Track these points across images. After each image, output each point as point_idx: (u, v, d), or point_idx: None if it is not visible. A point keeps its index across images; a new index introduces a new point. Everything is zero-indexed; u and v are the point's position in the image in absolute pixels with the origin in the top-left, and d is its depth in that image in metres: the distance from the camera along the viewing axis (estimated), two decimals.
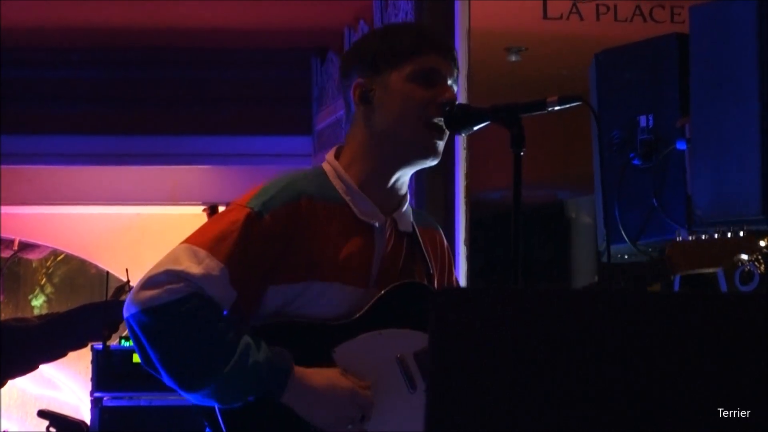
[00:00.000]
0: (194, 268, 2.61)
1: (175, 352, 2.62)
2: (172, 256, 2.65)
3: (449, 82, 2.80)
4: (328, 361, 2.72)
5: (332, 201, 2.77)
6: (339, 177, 2.81)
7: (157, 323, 2.59)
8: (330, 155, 2.87)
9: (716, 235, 3.88)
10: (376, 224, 2.80)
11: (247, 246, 2.66)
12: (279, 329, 2.70)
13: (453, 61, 2.82)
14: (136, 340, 2.64)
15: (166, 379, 2.64)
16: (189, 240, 2.69)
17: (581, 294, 1.76)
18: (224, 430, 2.66)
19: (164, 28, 7.22)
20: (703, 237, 3.87)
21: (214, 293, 2.62)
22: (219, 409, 2.65)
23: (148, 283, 2.61)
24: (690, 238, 3.86)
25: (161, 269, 2.62)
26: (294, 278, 2.70)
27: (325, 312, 2.73)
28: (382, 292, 2.79)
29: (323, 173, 2.83)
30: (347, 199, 2.79)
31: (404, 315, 2.77)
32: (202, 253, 2.63)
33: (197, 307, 2.60)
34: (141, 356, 2.65)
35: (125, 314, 2.64)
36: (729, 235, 3.88)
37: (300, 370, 2.67)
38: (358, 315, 2.75)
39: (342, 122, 6.52)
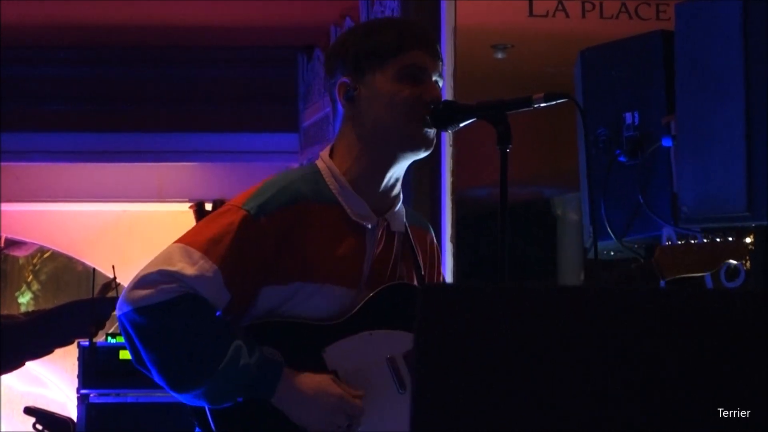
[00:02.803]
0: (188, 269, 2.60)
1: (167, 351, 2.61)
2: (165, 255, 2.64)
3: (434, 77, 2.79)
4: (318, 362, 2.72)
5: (326, 202, 2.76)
6: (333, 176, 2.80)
7: (149, 322, 2.59)
8: (324, 153, 2.85)
9: (705, 240, 3.89)
10: (369, 225, 2.80)
11: (242, 248, 2.65)
12: (270, 329, 2.70)
13: (436, 54, 2.81)
14: (128, 339, 2.64)
15: (157, 378, 2.63)
16: (183, 240, 2.67)
17: (569, 291, 1.76)
18: (214, 429, 2.66)
19: (152, 26, 7.21)
20: (693, 242, 3.88)
21: (208, 294, 2.62)
22: (209, 408, 2.65)
23: (142, 282, 2.60)
24: (679, 242, 3.87)
25: (155, 268, 2.61)
26: (287, 280, 2.70)
27: (316, 313, 2.73)
28: (373, 293, 2.78)
29: (318, 172, 2.81)
30: (341, 199, 2.78)
31: (394, 316, 2.77)
32: (197, 254, 2.62)
33: (190, 307, 2.60)
34: (132, 355, 2.65)
35: (117, 312, 2.63)
36: (718, 240, 3.89)
37: (291, 373, 2.66)
38: (348, 316, 2.75)
39: (329, 119, 6.53)
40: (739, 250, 3.98)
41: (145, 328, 2.60)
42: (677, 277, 3.96)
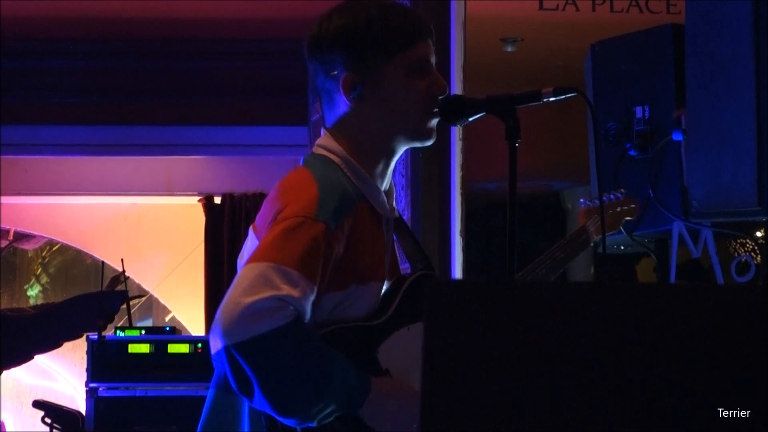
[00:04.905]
0: (294, 292, 2.50)
1: (287, 377, 2.52)
2: (263, 279, 2.50)
3: (434, 62, 2.78)
4: (373, 362, 2.69)
5: (361, 199, 2.72)
6: (353, 169, 2.74)
7: (268, 350, 2.48)
8: (335, 146, 2.78)
9: (605, 199, 4.31)
10: (387, 217, 2.79)
11: (326, 263, 2.58)
12: (330, 337, 2.65)
13: (433, 39, 2.79)
14: (235, 369, 2.51)
15: (268, 406, 2.53)
16: (271, 258, 2.53)
17: (577, 287, 1.75)
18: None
19: (160, 19, 7.21)
20: (596, 202, 4.22)
21: (306, 313, 2.55)
22: (301, 428, 2.58)
23: (253, 309, 2.47)
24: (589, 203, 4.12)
25: (265, 294, 2.48)
26: (346, 285, 2.66)
27: (362, 312, 2.70)
28: (405, 286, 2.78)
29: (337, 167, 2.75)
30: (365, 193, 2.74)
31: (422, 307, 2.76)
32: (295, 274, 2.51)
33: (302, 330, 2.52)
34: (237, 384, 2.53)
35: (222, 343, 2.49)
36: (613, 197, 4.32)
37: (376, 381, 2.64)
38: (389, 313, 2.73)
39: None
40: (629, 208, 4.22)
41: (262, 357, 2.49)
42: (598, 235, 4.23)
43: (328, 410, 2.55)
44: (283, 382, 2.52)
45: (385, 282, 2.79)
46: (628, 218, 4.42)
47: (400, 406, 2.64)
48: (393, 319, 2.74)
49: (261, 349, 2.48)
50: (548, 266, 4.08)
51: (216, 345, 2.51)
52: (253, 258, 2.54)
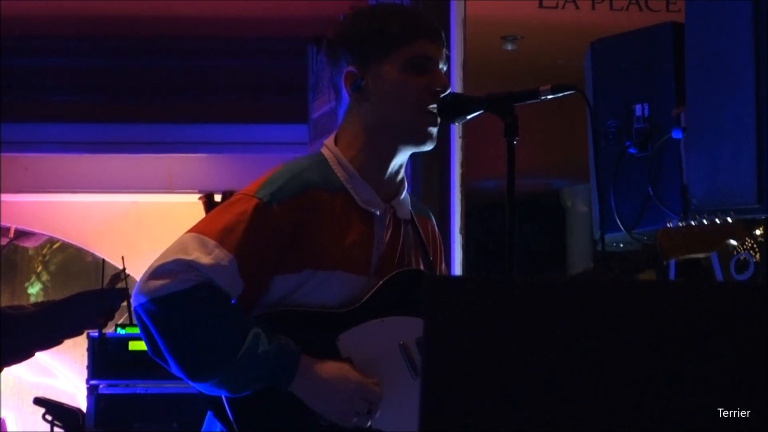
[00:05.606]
0: (204, 258, 2.59)
1: (185, 341, 2.61)
2: (180, 245, 2.63)
3: (440, 65, 2.79)
4: (332, 349, 2.72)
5: (335, 190, 2.77)
6: (340, 164, 2.80)
7: (166, 312, 2.59)
8: (330, 141, 2.86)
9: (706, 222, 3.95)
10: (377, 212, 2.80)
11: (256, 237, 2.65)
12: (282, 318, 2.70)
13: (442, 42, 2.81)
14: (144, 330, 2.62)
15: (175, 369, 2.63)
16: (196, 229, 2.67)
17: (576, 284, 1.76)
18: (231, 419, 2.66)
19: (161, 17, 7.21)
20: (693, 223, 3.93)
21: (223, 283, 2.61)
22: (226, 398, 2.65)
23: (157, 272, 2.59)
24: (681, 224, 3.91)
25: (170, 258, 2.60)
26: (297, 267, 2.70)
27: (327, 300, 2.73)
28: (384, 279, 2.79)
29: (324, 160, 2.82)
30: (348, 186, 2.78)
31: (405, 302, 2.77)
32: (211, 243, 2.61)
33: (207, 296, 2.59)
34: (149, 346, 2.64)
35: (133, 303, 2.62)
36: (718, 221, 3.95)
37: (308, 361, 2.67)
38: (360, 303, 2.75)
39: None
40: (738, 231, 4.05)
41: (162, 318, 2.59)
42: (680, 258, 4.03)
43: (242, 379, 2.61)
44: (183, 344, 2.60)
45: (374, 277, 2.79)
46: (732, 242, 4.27)
47: (331, 386, 2.67)
48: (363, 310, 2.75)
49: (162, 310, 2.58)
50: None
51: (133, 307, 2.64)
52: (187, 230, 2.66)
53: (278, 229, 2.68)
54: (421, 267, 2.90)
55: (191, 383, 2.65)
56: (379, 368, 2.74)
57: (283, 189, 2.70)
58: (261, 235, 2.66)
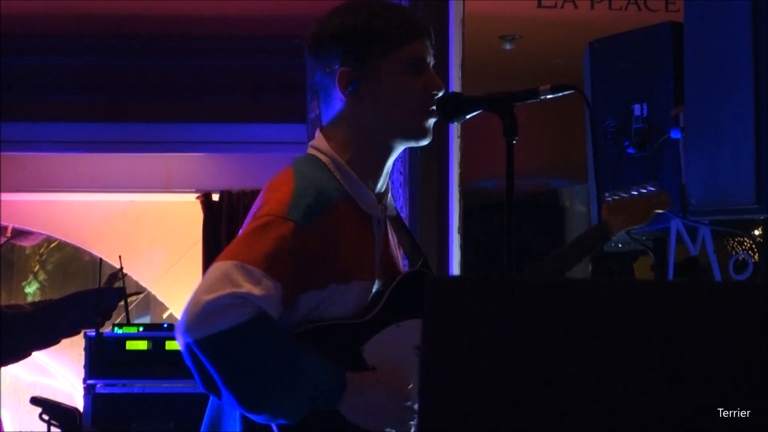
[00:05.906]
0: (255, 290, 2.51)
1: (247, 375, 2.54)
2: (225, 276, 2.53)
3: (431, 63, 2.78)
4: (359, 360, 2.69)
5: (345, 198, 2.73)
6: (339, 169, 2.75)
7: (227, 347, 2.50)
8: (322, 144, 2.79)
9: (635, 193, 4.29)
10: (378, 215, 2.79)
11: (295, 262, 2.59)
12: (311, 335, 2.65)
13: (432, 41, 2.79)
14: (197, 366, 2.54)
15: (232, 402, 2.55)
16: (236, 257, 2.56)
17: (576, 284, 1.75)
18: None
19: (158, 16, 7.21)
20: (624, 195, 4.27)
21: (273, 312, 2.55)
22: (277, 425, 2.59)
23: (210, 306, 2.49)
24: (616, 197, 4.16)
25: (222, 292, 2.50)
26: (323, 284, 2.65)
27: (346, 310, 2.70)
28: (394, 283, 2.77)
29: (324, 166, 2.76)
30: (351, 192, 2.74)
31: (415, 304, 2.75)
32: (258, 272, 2.53)
33: (264, 328, 2.53)
34: (201, 381, 2.56)
35: (184, 340, 2.52)
36: (644, 191, 4.29)
37: (351, 375, 2.64)
38: (377, 309, 2.73)
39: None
40: (662, 200, 4.22)
41: (222, 354, 2.51)
42: (623, 230, 4.33)
43: (299, 406, 2.56)
44: (245, 379, 2.53)
45: (377, 280, 2.78)
46: (658, 211, 4.38)
47: (379, 399, 2.65)
48: (380, 317, 2.73)
49: (221, 346, 2.50)
50: (558, 262, 4.09)
51: (180, 343, 2.54)
52: (220, 257, 2.57)
53: (312, 251, 2.62)
54: (407, 260, 2.89)
55: (249, 415, 2.58)
56: (400, 373, 2.74)
57: (312, 208, 2.63)
58: (298, 258, 2.59)
